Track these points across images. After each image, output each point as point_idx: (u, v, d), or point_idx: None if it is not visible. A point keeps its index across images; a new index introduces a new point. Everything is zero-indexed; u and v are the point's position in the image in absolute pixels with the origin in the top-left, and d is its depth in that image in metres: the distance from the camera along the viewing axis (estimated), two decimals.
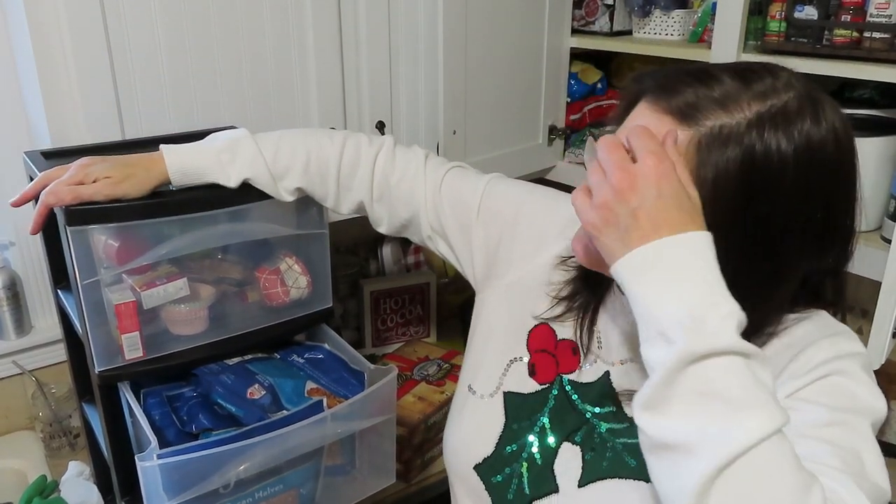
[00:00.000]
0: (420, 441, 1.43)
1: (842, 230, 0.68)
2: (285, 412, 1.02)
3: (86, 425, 1.24)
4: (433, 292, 1.82)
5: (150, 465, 0.88)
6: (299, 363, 1.14)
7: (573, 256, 0.83)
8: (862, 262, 1.24)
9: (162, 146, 0.94)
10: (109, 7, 1.08)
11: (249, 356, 1.11)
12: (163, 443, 0.93)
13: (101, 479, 1.26)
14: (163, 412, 0.99)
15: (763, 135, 0.61)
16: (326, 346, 1.18)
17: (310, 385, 1.08)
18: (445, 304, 1.85)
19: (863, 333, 1.61)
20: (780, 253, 0.65)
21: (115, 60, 1.11)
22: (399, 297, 1.79)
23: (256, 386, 1.05)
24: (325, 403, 1.03)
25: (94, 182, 0.89)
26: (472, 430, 0.85)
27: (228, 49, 1.22)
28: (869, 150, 1.28)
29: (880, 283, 1.14)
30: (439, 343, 1.80)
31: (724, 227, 0.60)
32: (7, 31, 1.25)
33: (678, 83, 0.65)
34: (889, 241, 1.17)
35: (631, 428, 0.75)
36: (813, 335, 0.69)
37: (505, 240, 0.90)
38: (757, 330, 0.68)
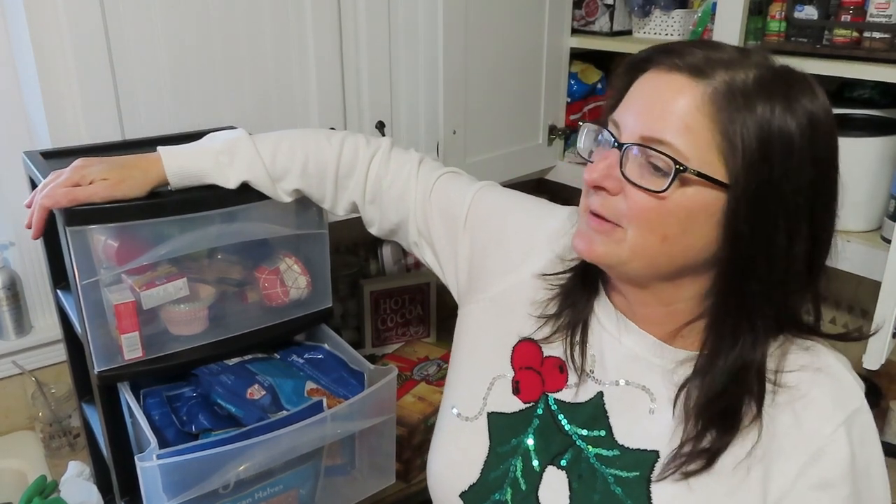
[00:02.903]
0: (420, 441, 1.43)
1: (826, 220, 0.67)
2: (285, 412, 1.02)
3: (85, 425, 1.24)
4: (433, 292, 1.82)
5: (150, 466, 0.88)
6: (299, 363, 1.14)
7: (556, 273, 0.82)
8: (862, 262, 1.26)
9: (159, 148, 0.93)
10: (109, 7, 1.08)
11: (249, 356, 1.11)
12: (162, 443, 0.93)
13: (101, 480, 1.26)
14: (162, 412, 0.99)
15: (770, 99, 0.63)
16: (326, 346, 1.18)
17: (310, 385, 1.08)
18: (445, 304, 1.84)
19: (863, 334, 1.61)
20: (797, 221, 0.65)
21: (115, 60, 1.10)
22: (399, 298, 1.79)
23: (256, 386, 1.04)
24: (324, 404, 1.03)
25: (90, 184, 0.88)
26: (456, 456, 0.83)
27: (228, 49, 1.22)
28: (869, 150, 1.28)
29: (880, 283, 1.14)
30: (439, 343, 1.80)
31: (755, 190, 0.63)
32: (7, 31, 1.25)
33: (684, 47, 0.67)
34: (889, 241, 1.17)
35: (623, 457, 0.73)
36: (824, 408, 0.69)
37: (490, 250, 0.87)
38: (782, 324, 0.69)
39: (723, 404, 0.68)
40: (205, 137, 0.98)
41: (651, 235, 0.66)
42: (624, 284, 0.74)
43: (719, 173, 0.63)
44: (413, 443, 1.41)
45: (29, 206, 0.91)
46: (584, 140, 0.74)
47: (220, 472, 0.92)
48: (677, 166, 0.63)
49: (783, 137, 0.62)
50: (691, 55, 0.65)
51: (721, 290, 0.68)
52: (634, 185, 0.65)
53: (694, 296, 0.71)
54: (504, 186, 0.95)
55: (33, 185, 1.00)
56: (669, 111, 0.64)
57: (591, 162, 0.71)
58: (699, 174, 0.63)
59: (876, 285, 1.15)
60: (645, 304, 0.74)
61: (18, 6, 1.06)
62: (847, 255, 1.29)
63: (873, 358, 1.15)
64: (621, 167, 0.66)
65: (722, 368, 0.69)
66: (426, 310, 1.83)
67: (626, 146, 0.66)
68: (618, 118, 0.69)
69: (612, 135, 0.68)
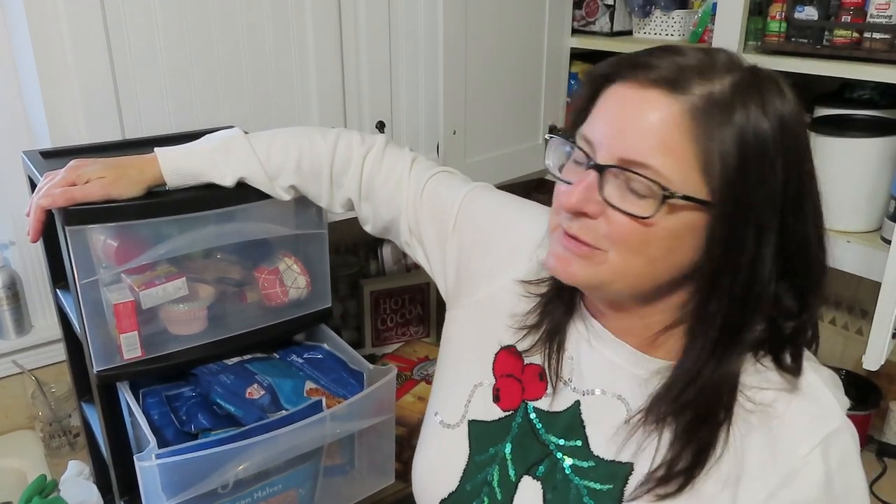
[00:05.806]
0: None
1: (799, 222, 0.64)
2: (284, 412, 1.02)
3: (85, 425, 1.24)
4: (433, 292, 1.82)
5: (149, 465, 0.88)
6: (298, 363, 1.14)
7: (537, 281, 0.80)
8: (862, 262, 1.26)
9: (156, 149, 0.93)
10: (109, 7, 1.08)
11: (248, 356, 1.11)
12: (162, 443, 0.93)
13: (101, 479, 1.26)
14: (162, 412, 1.00)
15: (746, 104, 0.60)
16: (326, 346, 1.18)
17: (309, 385, 1.08)
18: (445, 303, 1.85)
19: (863, 334, 1.61)
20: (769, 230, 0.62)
21: (115, 60, 1.10)
22: (399, 297, 1.79)
23: (255, 386, 1.04)
24: (324, 403, 1.03)
25: (86, 183, 0.88)
26: (437, 462, 0.82)
27: (228, 49, 1.22)
28: (869, 150, 1.28)
29: (880, 283, 1.14)
30: (439, 343, 1.80)
31: (735, 201, 0.60)
32: (7, 31, 1.25)
33: (649, 57, 0.63)
34: (889, 242, 1.17)
35: (598, 469, 0.71)
36: (799, 429, 0.66)
37: (477, 253, 0.86)
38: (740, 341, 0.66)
39: (691, 416, 0.66)
40: (201, 139, 0.98)
41: (636, 258, 0.64)
42: (599, 300, 0.73)
43: (702, 192, 0.61)
44: (413, 443, 1.41)
45: (29, 216, 0.91)
46: (552, 155, 0.69)
47: (219, 471, 0.93)
48: (663, 192, 0.60)
49: (759, 144, 0.60)
50: (660, 66, 0.61)
51: (700, 301, 0.65)
52: (617, 209, 0.62)
53: (671, 306, 0.69)
54: (503, 187, 0.94)
55: (33, 186, 1.00)
56: (647, 130, 0.60)
57: (561, 177, 0.67)
58: (685, 197, 0.60)
59: (876, 285, 1.15)
60: (619, 317, 0.72)
61: (19, 6, 1.06)
62: (847, 256, 1.29)
63: (873, 358, 1.15)
64: (601, 190, 0.63)
65: (694, 379, 0.66)
66: (426, 310, 1.83)
67: (604, 168, 0.62)
68: (589, 134, 0.65)
69: (585, 153, 0.64)
